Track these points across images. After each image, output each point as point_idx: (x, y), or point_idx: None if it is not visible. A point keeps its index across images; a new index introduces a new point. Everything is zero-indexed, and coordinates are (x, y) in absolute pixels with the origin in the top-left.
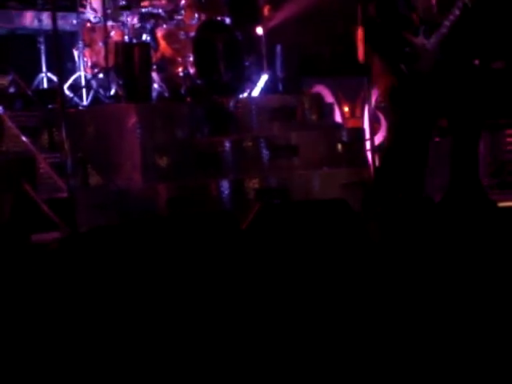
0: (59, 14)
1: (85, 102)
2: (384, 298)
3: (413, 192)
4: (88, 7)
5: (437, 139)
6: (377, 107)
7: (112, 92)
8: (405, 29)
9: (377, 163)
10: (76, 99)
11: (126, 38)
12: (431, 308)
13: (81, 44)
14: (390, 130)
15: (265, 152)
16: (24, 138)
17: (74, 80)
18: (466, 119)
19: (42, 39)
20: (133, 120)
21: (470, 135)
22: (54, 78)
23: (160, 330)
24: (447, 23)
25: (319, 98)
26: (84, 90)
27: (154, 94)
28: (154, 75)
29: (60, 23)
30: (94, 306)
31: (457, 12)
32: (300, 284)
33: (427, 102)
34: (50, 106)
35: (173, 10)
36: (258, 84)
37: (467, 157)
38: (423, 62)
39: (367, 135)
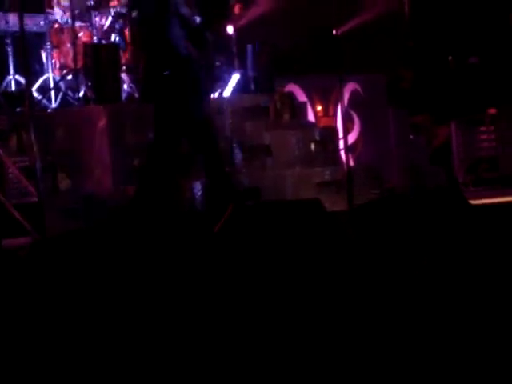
0: (26, 15)
1: (53, 105)
2: (360, 295)
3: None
4: (55, 7)
5: (411, 136)
6: (350, 106)
7: (81, 94)
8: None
9: (350, 162)
10: (44, 101)
11: (95, 38)
12: (406, 302)
13: (49, 45)
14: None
15: (237, 152)
16: None
17: (43, 82)
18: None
19: (9, 41)
20: (102, 122)
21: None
22: (22, 81)
23: (129, 332)
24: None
25: (292, 97)
26: (52, 92)
27: (124, 96)
28: (124, 76)
29: (27, 24)
30: (64, 309)
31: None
32: (275, 284)
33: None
34: (18, 109)
35: None
36: (230, 83)
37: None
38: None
39: (340, 134)
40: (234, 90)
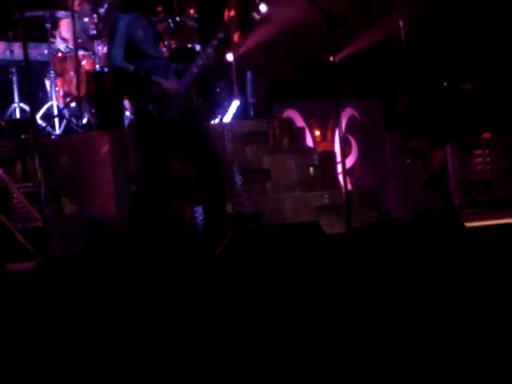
0: (30, 45)
1: (57, 132)
2: (358, 316)
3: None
4: (58, 37)
5: (408, 161)
6: (347, 131)
7: (84, 121)
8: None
9: (348, 185)
10: (49, 129)
11: (98, 66)
12: (403, 322)
13: (52, 74)
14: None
15: (238, 177)
16: None
17: (47, 109)
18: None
19: (13, 70)
20: (105, 148)
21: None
22: (27, 108)
23: (132, 356)
24: (199, 62)
25: (290, 122)
26: (56, 120)
27: (126, 122)
28: (126, 103)
29: (31, 54)
30: (70, 333)
31: (209, 50)
32: (275, 306)
33: (167, 144)
34: (22, 136)
35: None
36: (230, 109)
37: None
38: (172, 106)
39: (338, 158)
40: (234, 116)
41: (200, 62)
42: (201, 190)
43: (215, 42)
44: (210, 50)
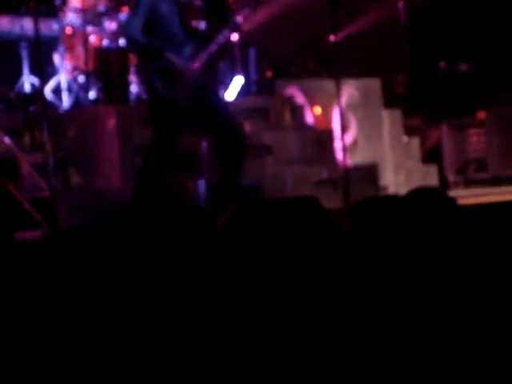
0: (41, 20)
1: (65, 105)
2: (354, 291)
3: None
4: (69, 10)
5: (405, 138)
6: (347, 108)
7: (92, 95)
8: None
9: (347, 162)
10: (57, 102)
11: (105, 42)
12: (401, 301)
13: (61, 48)
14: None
15: None
16: (7, 139)
17: (55, 83)
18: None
19: (24, 44)
20: (111, 122)
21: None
22: (36, 82)
23: (139, 329)
24: (216, 42)
25: (291, 99)
26: (65, 93)
27: (132, 97)
28: (132, 78)
29: (41, 28)
30: (76, 304)
31: (227, 32)
32: (275, 280)
33: (175, 121)
34: (31, 109)
35: None
36: (232, 86)
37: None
38: (183, 83)
39: (337, 135)
40: (237, 93)
41: (219, 41)
42: (221, 162)
43: (234, 24)
44: (227, 32)
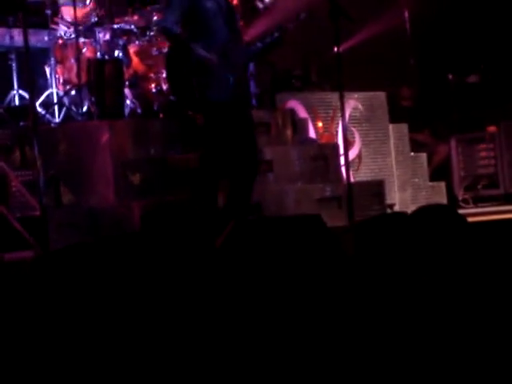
0: (31, 31)
1: (57, 120)
2: (359, 310)
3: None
4: (60, 22)
5: (412, 153)
6: (351, 123)
7: (84, 109)
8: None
9: (351, 178)
10: (48, 116)
11: (99, 54)
12: (406, 319)
13: (52, 61)
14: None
15: None
16: None
17: (46, 97)
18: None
19: (13, 56)
20: (105, 137)
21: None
22: (26, 96)
23: (133, 346)
24: (260, 44)
25: (293, 113)
26: (56, 108)
27: (127, 111)
28: (127, 91)
29: (31, 40)
30: (67, 325)
31: (276, 34)
32: (276, 299)
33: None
34: (21, 124)
35: (145, 26)
36: None
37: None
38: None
39: (341, 150)
40: None
41: (260, 44)
42: (231, 179)
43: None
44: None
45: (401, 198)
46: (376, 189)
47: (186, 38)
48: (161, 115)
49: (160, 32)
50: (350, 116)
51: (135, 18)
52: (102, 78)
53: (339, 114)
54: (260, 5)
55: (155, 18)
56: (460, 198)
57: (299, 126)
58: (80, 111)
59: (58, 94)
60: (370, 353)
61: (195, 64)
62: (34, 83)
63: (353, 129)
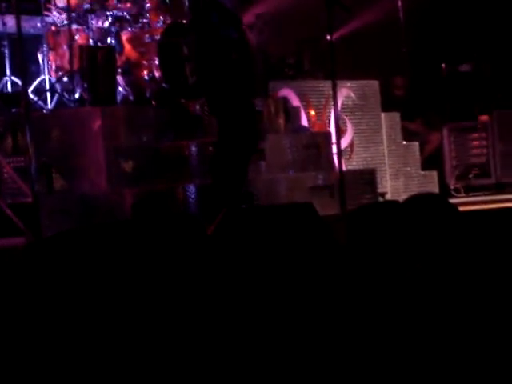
0: (23, 18)
1: (49, 106)
2: (353, 299)
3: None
4: (53, 8)
5: (404, 142)
6: (343, 111)
7: (77, 96)
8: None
9: (343, 167)
10: (40, 103)
11: (91, 41)
12: (401, 308)
13: (45, 47)
14: None
15: None
16: None
17: (39, 83)
18: None
19: (5, 43)
20: (97, 124)
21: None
22: (19, 82)
23: (121, 335)
24: None
25: (285, 101)
26: (48, 94)
27: (119, 98)
28: (119, 79)
29: (24, 27)
30: (60, 313)
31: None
32: (267, 288)
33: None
34: (13, 110)
35: (138, 13)
36: None
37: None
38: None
39: (333, 139)
40: None
41: None
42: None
43: None
44: None
45: (393, 187)
46: (368, 177)
47: None
48: (153, 102)
49: None
50: (342, 104)
51: (128, 5)
52: (94, 65)
53: (332, 103)
54: None
55: (148, 5)
56: (452, 187)
57: (292, 115)
58: (72, 98)
59: (50, 80)
60: (364, 342)
61: (188, 51)
62: (27, 70)
63: (345, 117)
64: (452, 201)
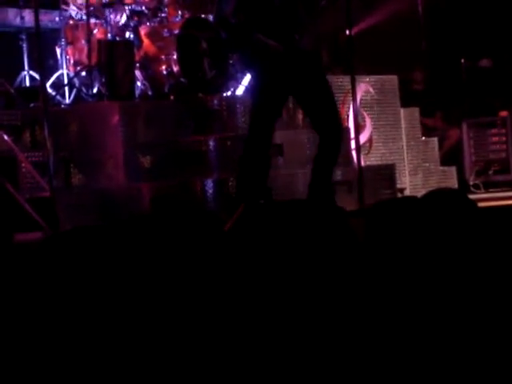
0: (41, 11)
1: (67, 101)
2: (371, 296)
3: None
4: (71, 3)
5: (423, 138)
6: (362, 106)
7: (95, 90)
8: None
9: (362, 162)
10: (58, 97)
11: (109, 35)
12: (418, 306)
13: (63, 42)
14: None
15: None
16: (6, 137)
17: (57, 78)
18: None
19: (24, 37)
20: (115, 118)
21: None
22: (37, 76)
23: (140, 330)
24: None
25: None
26: (66, 89)
27: (137, 93)
28: (138, 73)
29: (42, 21)
30: (77, 305)
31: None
32: (286, 285)
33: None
34: (32, 105)
35: (156, 7)
36: (243, 82)
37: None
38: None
39: (352, 134)
40: (247, 89)
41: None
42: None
43: None
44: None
45: (411, 183)
46: (387, 173)
47: (246, 27)
48: (171, 97)
49: (218, 22)
50: (361, 100)
51: None
52: (112, 60)
53: (350, 98)
54: None
55: None
56: (471, 183)
57: None
58: (90, 92)
59: (68, 75)
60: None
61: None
62: (45, 64)
63: (364, 113)
64: (471, 197)
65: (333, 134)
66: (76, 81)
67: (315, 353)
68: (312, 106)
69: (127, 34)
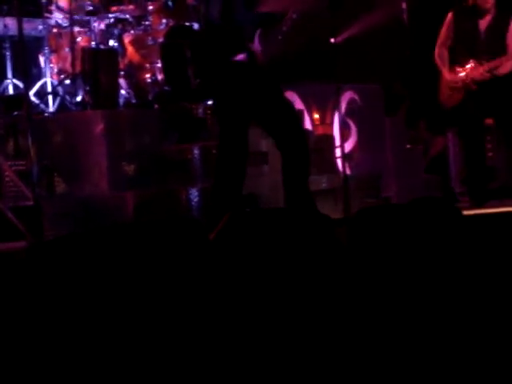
0: (25, 20)
1: (51, 109)
2: (358, 304)
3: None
4: (54, 8)
5: (408, 146)
6: (347, 114)
7: (79, 98)
8: None
9: (347, 170)
10: (42, 106)
11: (93, 43)
12: (403, 312)
13: (47, 50)
14: None
15: None
16: None
17: (40, 86)
18: None
19: (7, 45)
20: (99, 127)
21: None
22: (20, 85)
23: (122, 339)
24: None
25: None
26: (50, 97)
27: (122, 101)
28: (122, 81)
29: (26, 29)
30: (61, 314)
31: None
32: (272, 293)
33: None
34: (15, 113)
35: (140, 15)
36: None
37: None
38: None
39: (337, 142)
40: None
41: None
42: (284, 165)
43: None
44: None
45: (396, 191)
46: (372, 181)
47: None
48: (156, 105)
49: (206, 27)
50: (346, 108)
51: (130, 7)
52: (96, 68)
53: (335, 106)
54: None
55: (150, 7)
56: (457, 191)
57: None
58: (74, 101)
59: (52, 83)
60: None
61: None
62: (28, 72)
63: (349, 121)
64: (458, 205)
65: (299, 151)
66: (60, 89)
67: (300, 361)
68: (272, 124)
69: (111, 42)
